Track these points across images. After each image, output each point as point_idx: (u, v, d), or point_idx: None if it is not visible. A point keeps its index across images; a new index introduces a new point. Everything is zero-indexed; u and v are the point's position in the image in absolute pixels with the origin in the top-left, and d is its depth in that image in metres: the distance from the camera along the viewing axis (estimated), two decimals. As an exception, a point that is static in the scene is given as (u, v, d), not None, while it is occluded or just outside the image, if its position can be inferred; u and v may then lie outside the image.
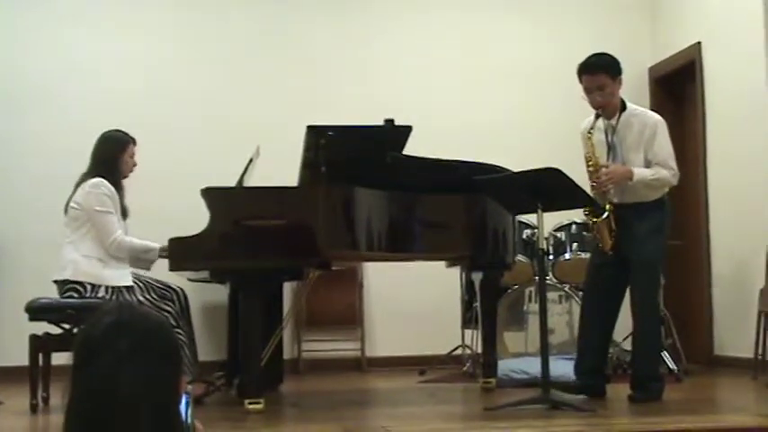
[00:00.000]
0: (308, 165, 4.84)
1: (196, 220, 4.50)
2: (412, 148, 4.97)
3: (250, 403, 4.40)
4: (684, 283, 6.82)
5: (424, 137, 5.11)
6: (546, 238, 5.92)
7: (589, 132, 4.66)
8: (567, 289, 5.98)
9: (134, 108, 6.61)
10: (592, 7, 7.41)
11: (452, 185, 4.89)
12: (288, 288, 6.04)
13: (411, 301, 6.88)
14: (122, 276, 4.81)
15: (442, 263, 5.56)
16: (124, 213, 4.96)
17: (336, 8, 7.21)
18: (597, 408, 4.30)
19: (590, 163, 4.66)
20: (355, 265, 6.79)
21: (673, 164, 4.67)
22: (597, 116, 4.66)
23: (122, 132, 5.06)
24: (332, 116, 5.13)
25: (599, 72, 4.64)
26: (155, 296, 4.86)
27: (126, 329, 1.49)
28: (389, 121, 4.88)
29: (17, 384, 5.06)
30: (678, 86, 7.14)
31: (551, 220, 5.76)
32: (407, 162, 4.96)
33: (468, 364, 6.11)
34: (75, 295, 4.74)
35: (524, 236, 6.02)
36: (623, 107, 4.72)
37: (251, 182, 5.05)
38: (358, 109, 6.11)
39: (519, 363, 5.58)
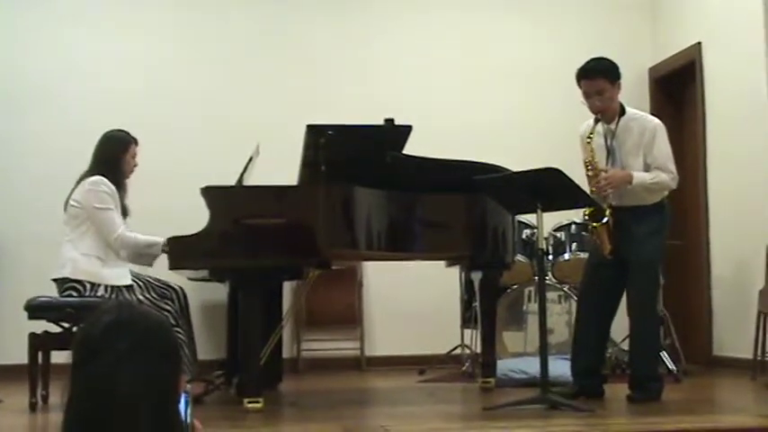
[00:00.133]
0: (308, 164, 4.84)
1: (196, 219, 4.50)
2: (412, 148, 4.97)
3: (249, 402, 4.40)
4: (684, 284, 6.82)
5: (424, 137, 5.11)
6: (545, 238, 5.93)
7: (588, 137, 4.65)
8: (566, 289, 5.98)
9: (134, 108, 6.61)
10: (592, 7, 7.41)
11: (452, 185, 4.89)
12: (287, 287, 6.05)
13: (410, 300, 6.88)
14: (121, 275, 4.81)
15: (442, 263, 5.57)
16: (125, 213, 4.94)
17: (336, 8, 7.21)
18: (596, 408, 4.30)
19: (589, 168, 4.66)
20: (355, 264, 6.79)
21: (672, 167, 4.67)
22: (596, 121, 4.65)
23: (125, 132, 5.05)
24: (332, 116, 5.13)
25: (598, 77, 4.63)
26: (154, 295, 4.85)
27: (125, 328, 1.49)
28: (389, 121, 4.88)
29: (16, 383, 5.05)
30: (678, 87, 7.14)
31: (551, 220, 5.76)
32: (407, 162, 4.96)
33: (467, 364, 6.11)
34: (75, 294, 4.73)
35: (524, 236, 6.02)
36: (622, 111, 4.71)
37: (251, 181, 5.05)
38: (358, 109, 6.11)
39: (518, 362, 5.58)
